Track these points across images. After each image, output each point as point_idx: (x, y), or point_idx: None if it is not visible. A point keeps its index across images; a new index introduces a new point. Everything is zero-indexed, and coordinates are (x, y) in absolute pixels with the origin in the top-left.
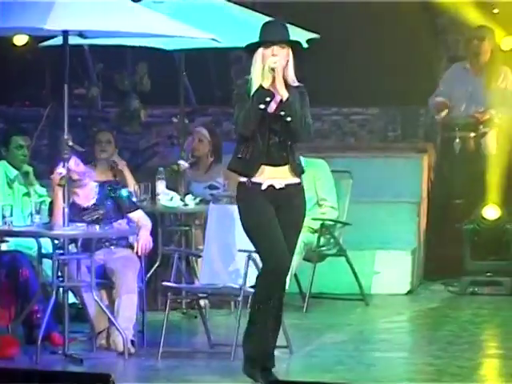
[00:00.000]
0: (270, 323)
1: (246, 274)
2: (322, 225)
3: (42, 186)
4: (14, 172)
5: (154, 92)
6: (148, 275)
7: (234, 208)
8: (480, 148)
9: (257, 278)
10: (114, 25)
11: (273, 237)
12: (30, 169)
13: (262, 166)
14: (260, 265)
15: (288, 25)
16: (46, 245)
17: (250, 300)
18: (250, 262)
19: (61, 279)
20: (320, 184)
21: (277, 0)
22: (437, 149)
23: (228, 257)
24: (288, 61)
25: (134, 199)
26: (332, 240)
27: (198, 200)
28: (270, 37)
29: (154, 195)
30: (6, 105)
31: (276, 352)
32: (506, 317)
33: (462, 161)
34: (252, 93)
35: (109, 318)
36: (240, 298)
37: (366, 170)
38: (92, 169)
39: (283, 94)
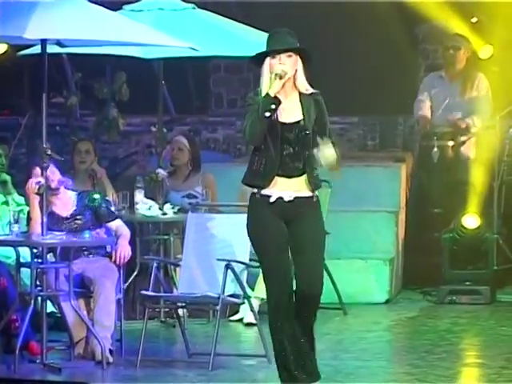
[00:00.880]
0: (294, 337)
1: (224, 283)
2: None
3: (21, 195)
4: None
5: (132, 101)
6: (126, 284)
7: (213, 217)
8: (459, 157)
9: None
10: (93, 33)
11: (276, 259)
12: (8, 178)
13: (276, 178)
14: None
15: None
16: (25, 254)
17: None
18: (229, 272)
19: (39, 288)
20: None
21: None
22: (415, 158)
23: (207, 266)
24: (297, 70)
25: (113, 208)
26: None
27: (176, 209)
28: (275, 46)
29: (132, 204)
30: None
31: (254, 361)
32: (484, 326)
33: (441, 170)
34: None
35: (87, 327)
36: (218, 307)
37: (345, 179)
38: (71, 178)
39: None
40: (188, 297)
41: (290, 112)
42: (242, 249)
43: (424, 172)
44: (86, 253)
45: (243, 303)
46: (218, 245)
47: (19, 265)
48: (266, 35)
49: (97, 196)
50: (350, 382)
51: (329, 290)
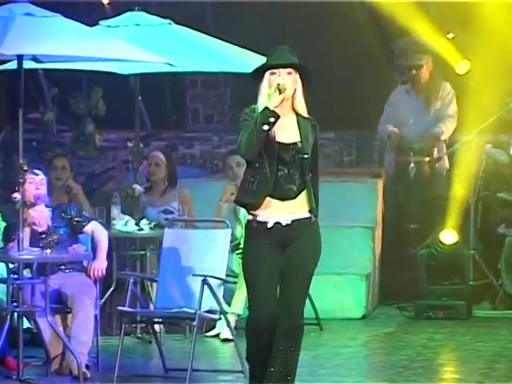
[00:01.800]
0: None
1: (200, 299)
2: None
3: None
4: None
5: (109, 116)
6: (103, 300)
7: (189, 232)
8: (435, 172)
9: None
10: (69, 49)
11: (262, 290)
12: None
13: (269, 199)
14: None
15: (243, 49)
16: (1, 269)
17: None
18: (206, 287)
19: (15, 304)
20: None
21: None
22: (388, 173)
23: (183, 281)
24: (296, 89)
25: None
26: None
27: (152, 224)
28: (275, 62)
29: (109, 220)
30: None
31: (231, 377)
32: (460, 341)
33: (417, 185)
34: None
35: (64, 343)
36: (195, 323)
37: (321, 194)
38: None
39: (288, 144)
40: (164, 312)
41: (288, 132)
42: (219, 264)
43: (400, 187)
44: (62, 268)
45: (220, 319)
46: (195, 260)
47: None
48: (242, 50)
49: (68, 207)
50: None
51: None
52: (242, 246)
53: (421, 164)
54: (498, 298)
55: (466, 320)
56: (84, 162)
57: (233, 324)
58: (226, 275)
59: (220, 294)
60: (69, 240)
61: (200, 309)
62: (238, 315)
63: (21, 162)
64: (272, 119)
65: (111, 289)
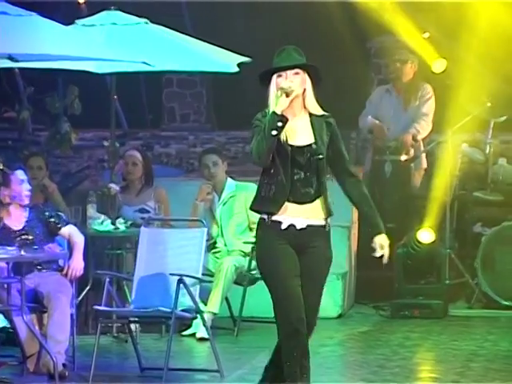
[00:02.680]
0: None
1: (176, 298)
2: (253, 248)
3: None
4: None
5: (85, 115)
6: (79, 299)
7: (166, 231)
8: (411, 171)
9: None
10: (45, 48)
11: (290, 286)
12: None
13: (286, 204)
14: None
15: (219, 48)
16: None
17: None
18: (181, 286)
19: None
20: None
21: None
22: (365, 171)
23: (159, 280)
24: (306, 89)
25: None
26: None
27: (129, 223)
28: (281, 63)
29: (84, 219)
30: None
31: (206, 376)
32: (436, 340)
33: (393, 184)
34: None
35: (40, 342)
36: (171, 322)
37: None
38: None
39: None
40: (140, 312)
41: (301, 134)
42: (195, 263)
43: (377, 186)
44: (38, 267)
45: (196, 318)
46: (171, 259)
47: None
48: (218, 50)
49: (46, 208)
50: None
51: None
52: (217, 244)
53: (397, 163)
54: (473, 297)
55: (441, 319)
56: (60, 160)
57: (209, 323)
58: (202, 274)
59: (196, 293)
60: (45, 240)
61: (176, 308)
62: (214, 314)
63: None
64: (280, 123)
65: (87, 288)
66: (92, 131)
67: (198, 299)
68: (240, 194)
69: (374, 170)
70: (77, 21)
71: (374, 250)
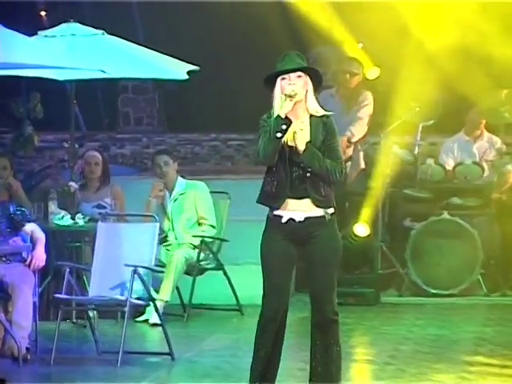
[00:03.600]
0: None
1: (131, 287)
2: (202, 241)
3: None
4: None
5: (46, 119)
6: (41, 288)
7: (121, 226)
8: (347, 170)
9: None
10: (9, 57)
11: (277, 278)
12: None
13: (287, 199)
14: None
15: (170, 57)
16: None
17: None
18: (136, 276)
19: None
20: (200, 204)
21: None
22: None
23: (115, 271)
24: (307, 91)
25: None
26: (211, 255)
27: (87, 219)
28: (284, 67)
29: (46, 214)
30: None
31: (159, 359)
32: (369, 325)
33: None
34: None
35: (4, 328)
36: (126, 309)
37: (242, 191)
38: None
39: (300, 147)
40: (98, 299)
41: (300, 135)
42: (148, 255)
43: None
44: (3, 259)
45: (148, 305)
46: (126, 251)
47: None
48: (168, 59)
49: (10, 205)
50: (246, 377)
51: (227, 293)
52: (169, 238)
53: None
54: (403, 286)
55: (374, 306)
56: (23, 160)
57: (161, 310)
58: (155, 265)
59: (149, 282)
60: (9, 234)
61: (131, 296)
62: (166, 302)
63: None
64: (284, 126)
65: (49, 278)
66: (53, 133)
67: (150, 288)
68: (190, 191)
69: None
70: (39, 32)
71: None
